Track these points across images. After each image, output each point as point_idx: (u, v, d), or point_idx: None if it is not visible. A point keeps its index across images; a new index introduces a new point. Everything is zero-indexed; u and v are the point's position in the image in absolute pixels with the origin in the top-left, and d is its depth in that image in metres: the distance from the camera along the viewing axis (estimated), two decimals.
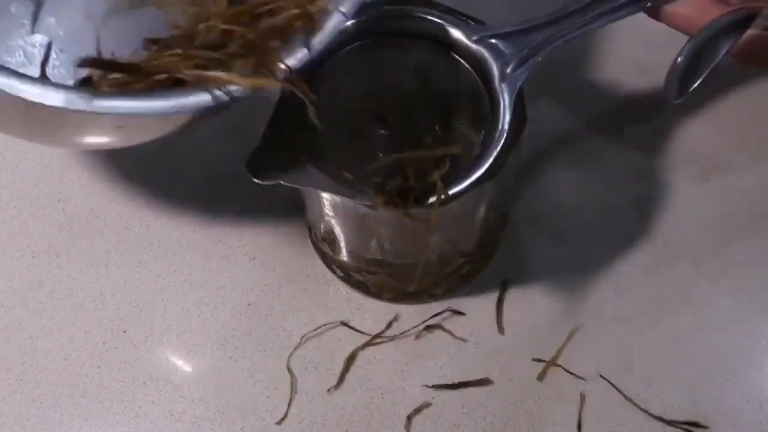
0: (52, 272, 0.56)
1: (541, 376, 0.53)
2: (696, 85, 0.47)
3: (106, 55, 0.42)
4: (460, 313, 0.54)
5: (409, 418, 0.52)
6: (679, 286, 0.55)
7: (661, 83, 0.60)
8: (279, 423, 0.52)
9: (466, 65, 0.47)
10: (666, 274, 0.55)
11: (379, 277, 0.52)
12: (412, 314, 0.54)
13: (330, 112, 0.49)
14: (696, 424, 0.51)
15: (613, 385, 0.52)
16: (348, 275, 0.54)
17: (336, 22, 0.43)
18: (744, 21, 0.46)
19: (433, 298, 0.55)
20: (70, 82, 0.41)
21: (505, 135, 0.45)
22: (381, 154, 0.51)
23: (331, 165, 0.47)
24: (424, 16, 0.47)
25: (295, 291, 0.55)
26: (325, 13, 0.43)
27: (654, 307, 0.54)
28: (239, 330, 0.55)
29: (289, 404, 0.52)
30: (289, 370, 0.53)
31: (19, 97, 0.38)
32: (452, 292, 0.55)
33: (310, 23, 0.43)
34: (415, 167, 0.51)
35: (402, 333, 0.54)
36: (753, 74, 0.60)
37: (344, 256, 0.52)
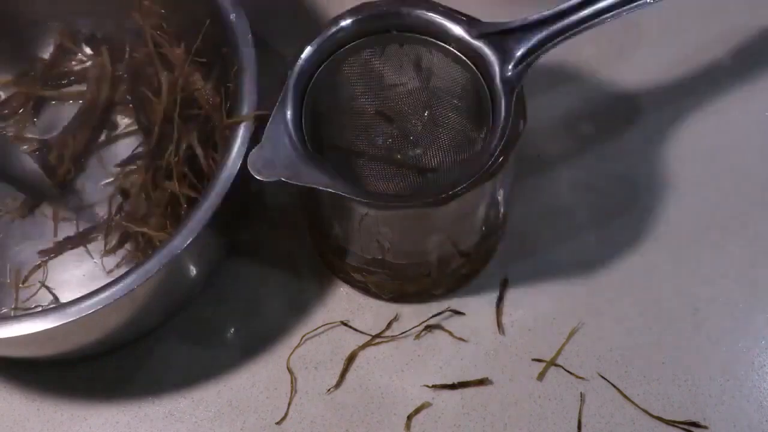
0: None
1: (541, 376, 0.53)
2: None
3: None
4: (460, 313, 0.54)
5: (409, 418, 0.52)
6: (679, 286, 0.55)
7: (662, 82, 0.61)
8: (279, 423, 0.52)
9: (468, 62, 0.47)
10: (666, 274, 0.55)
11: (379, 277, 0.52)
12: (412, 314, 0.54)
13: (331, 110, 0.50)
14: (696, 424, 0.51)
15: (613, 385, 0.52)
16: (348, 275, 0.54)
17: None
18: None
19: (433, 298, 0.55)
20: None
21: (505, 134, 0.45)
22: (382, 153, 0.51)
23: (331, 163, 0.47)
24: (424, 13, 0.47)
25: (295, 291, 0.55)
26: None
27: (654, 307, 0.54)
28: (239, 330, 0.55)
29: (289, 404, 0.52)
30: (289, 370, 0.53)
31: None
32: (452, 292, 0.55)
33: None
34: (415, 167, 0.52)
35: (402, 333, 0.54)
36: (753, 74, 0.60)
37: (344, 255, 0.52)
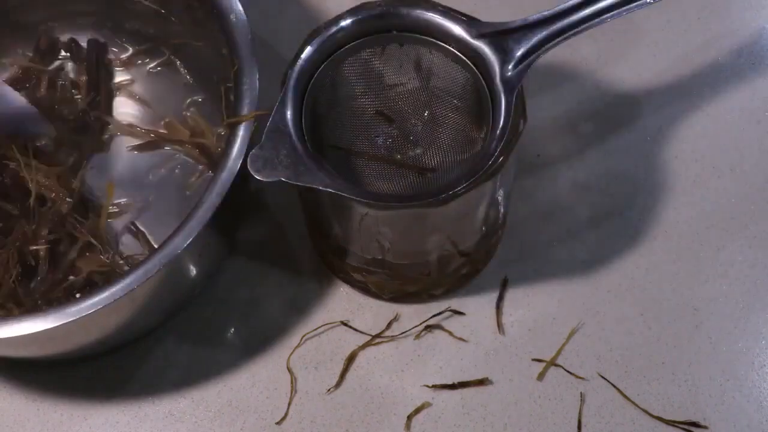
0: None
1: (541, 376, 0.53)
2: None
3: None
4: (460, 313, 0.54)
5: (409, 418, 0.52)
6: (679, 285, 0.55)
7: (662, 82, 0.61)
8: (279, 423, 0.52)
9: (468, 62, 0.47)
10: (666, 274, 0.55)
11: (379, 277, 0.52)
12: (412, 314, 0.54)
13: (331, 110, 0.50)
14: (696, 424, 0.51)
15: (613, 385, 0.52)
16: (348, 275, 0.54)
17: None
18: None
19: (433, 298, 0.55)
20: None
21: (505, 134, 0.45)
22: (382, 153, 0.51)
23: (331, 163, 0.47)
24: (424, 13, 0.47)
25: (295, 291, 0.55)
26: None
27: (654, 307, 0.54)
28: (239, 330, 0.55)
29: (289, 404, 0.52)
30: (289, 370, 0.53)
31: None
32: (452, 292, 0.55)
33: None
34: (415, 167, 0.52)
35: (402, 333, 0.54)
36: (753, 74, 0.60)
37: (344, 255, 0.52)
